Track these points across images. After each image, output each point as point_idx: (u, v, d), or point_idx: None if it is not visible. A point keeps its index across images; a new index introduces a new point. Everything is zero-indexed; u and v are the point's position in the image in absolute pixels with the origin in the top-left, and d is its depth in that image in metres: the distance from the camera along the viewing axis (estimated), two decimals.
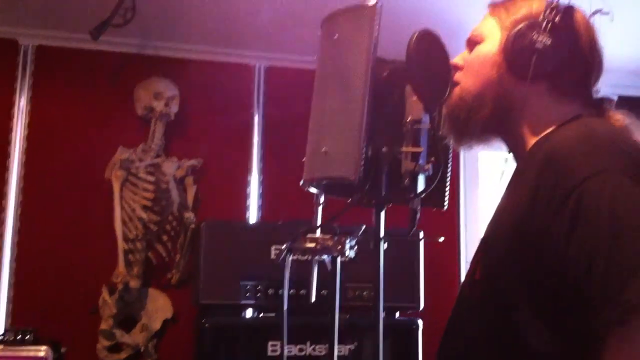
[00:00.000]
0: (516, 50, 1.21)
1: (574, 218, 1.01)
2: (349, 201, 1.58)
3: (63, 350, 2.53)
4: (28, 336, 2.43)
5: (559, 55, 1.19)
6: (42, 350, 2.39)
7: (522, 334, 1.06)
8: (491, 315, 1.12)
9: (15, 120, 3.14)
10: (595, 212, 1.00)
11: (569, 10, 1.22)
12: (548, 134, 1.19)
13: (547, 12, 1.20)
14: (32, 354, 2.37)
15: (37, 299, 3.00)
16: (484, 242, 1.22)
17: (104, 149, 3.13)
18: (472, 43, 1.31)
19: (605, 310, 0.97)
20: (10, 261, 3.03)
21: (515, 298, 1.08)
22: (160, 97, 3.17)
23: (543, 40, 1.19)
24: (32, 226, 3.07)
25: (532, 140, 1.22)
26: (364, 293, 2.77)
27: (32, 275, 3.03)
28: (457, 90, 1.31)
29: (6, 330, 2.52)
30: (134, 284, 3.00)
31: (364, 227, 1.65)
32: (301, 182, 1.61)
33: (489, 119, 1.26)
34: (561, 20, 1.20)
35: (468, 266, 1.17)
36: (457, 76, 1.33)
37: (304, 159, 1.60)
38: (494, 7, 1.30)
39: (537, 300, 1.06)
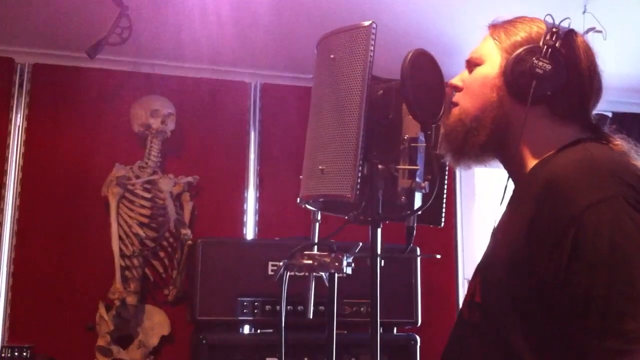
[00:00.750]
0: (516, 74, 1.21)
1: (575, 248, 1.01)
2: (345, 218, 1.60)
3: None
4: (25, 353, 2.43)
5: (559, 80, 1.20)
6: None
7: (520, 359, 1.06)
8: (491, 339, 1.12)
9: (11, 137, 3.15)
10: (595, 241, 1.00)
11: (570, 34, 1.22)
12: (547, 157, 1.19)
13: (548, 36, 1.21)
14: None
15: (34, 315, 3.00)
16: (483, 266, 1.21)
17: (100, 166, 3.14)
18: (472, 64, 1.31)
19: (606, 340, 0.96)
20: (7, 277, 3.03)
21: (513, 325, 1.08)
22: (156, 114, 3.19)
23: (543, 65, 1.19)
24: (29, 243, 3.08)
25: (531, 163, 1.22)
26: (362, 309, 2.78)
27: (29, 292, 3.03)
28: (455, 111, 1.31)
29: (3, 347, 2.52)
30: (130, 300, 3.01)
31: (360, 244, 1.67)
32: (298, 200, 1.62)
33: (487, 140, 1.25)
34: (561, 45, 1.20)
35: (465, 283, 1.19)
36: (457, 97, 1.32)
37: (300, 177, 1.61)
38: (493, 29, 1.30)
39: (533, 329, 1.06)
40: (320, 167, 1.45)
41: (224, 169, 3.37)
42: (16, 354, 2.43)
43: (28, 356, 2.44)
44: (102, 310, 2.98)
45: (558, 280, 1.02)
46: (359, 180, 1.39)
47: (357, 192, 1.37)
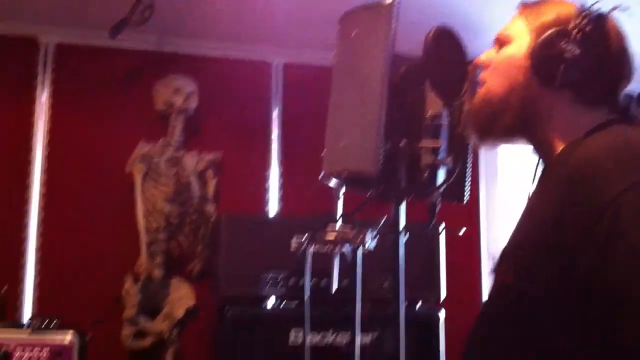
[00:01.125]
0: (544, 58, 1.18)
1: (611, 234, 0.99)
2: (368, 195, 1.61)
3: (88, 337, 2.59)
4: (54, 323, 2.49)
5: (588, 65, 1.16)
6: (68, 336, 2.45)
7: (549, 346, 1.06)
8: (519, 322, 1.11)
9: (36, 116, 3.20)
10: (632, 226, 0.98)
11: (600, 17, 1.18)
12: (577, 140, 1.15)
13: (578, 20, 1.17)
14: (58, 340, 2.42)
15: (63, 288, 3.08)
16: (512, 247, 1.19)
17: (125, 144, 3.19)
18: (500, 42, 1.28)
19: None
20: (36, 251, 3.11)
21: (542, 310, 1.07)
22: (179, 92, 3.22)
23: (572, 49, 1.15)
24: (57, 219, 3.14)
25: (559, 145, 1.20)
26: (385, 284, 2.80)
27: (57, 266, 3.11)
28: (482, 90, 1.28)
29: (32, 318, 2.59)
30: (156, 274, 3.08)
31: (384, 218, 1.69)
32: (321, 176, 1.64)
33: (514, 121, 1.23)
34: (592, 29, 1.16)
35: (489, 259, 1.19)
36: (483, 75, 1.29)
37: (323, 153, 1.63)
38: (523, 8, 1.27)
39: (563, 315, 1.05)
40: (342, 144, 1.47)
41: (247, 146, 3.40)
42: (45, 324, 2.49)
43: (57, 326, 2.50)
44: (129, 283, 3.06)
45: (592, 268, 1.00)
46: (381, 156, 1.41)
47: (380, 168, 1.39)
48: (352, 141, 1.48)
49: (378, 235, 1.76)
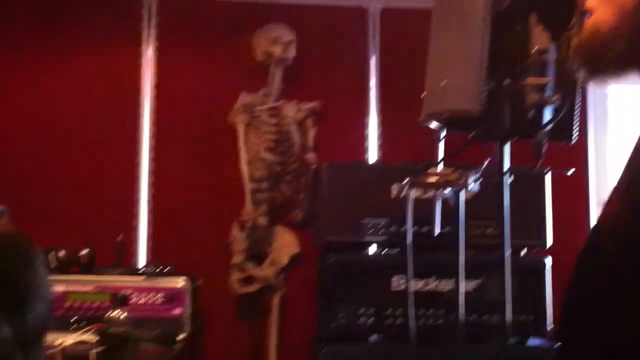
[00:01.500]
0: None
1: None
2: (470, 136, 1.58)
3: (199, 282, 2.71)
4: (167, 269, 2.63)
5: None
6: (181, 282, 2.57)
7: None
8: (624, 268, 1.06)
9: (143, 70, 3.32)
10: None
11: None
12: None
13: None
14: (171, 285, 2.55)
15: (174, 237, 3.23)
16: (623, 189, 1.14)
17: (227, 95, 3.26)
18: None
19: None
20: (148, 201, 3.27)
21: None
22: (278, 42, 3.25)
23: None
24: (165, 168, 3.28)
25: None
26: (488, 230, 2.75)
27: (168, 215, 3.26)
28: (590, 20, 1.23)
29: (147, 264, 2.74)
30: (261, 221, 3.17)
31: (487, 161, 1.65)
32: (421, 118, 1.62)
33: (625, 53, 1.16)
34: None
35: (598, 204, 1.13)
36: (591, 3, 1.24)
37: (422, 95, 1.60)
38: None
39: None
40: (443, 83, 1.43)
41: (346, 94, 3.39)
42: (159, 269, 2.63)
43: (170, 272, 2.64)
44: (235, 230, 3.18)
45: None
46: (484, 95, 1.36)
47: (483, 107, 1.35)
48: (453, 80, 1.44)
49: (481, 179, 1.71)
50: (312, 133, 3.30)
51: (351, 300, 2.69)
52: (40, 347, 0.91)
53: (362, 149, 3.38)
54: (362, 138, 3.38)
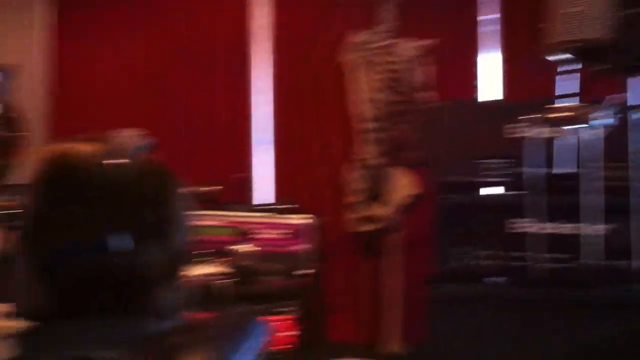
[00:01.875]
0: None
1: None
2: (599, 68, 1.51)
3: (321, 220, 2.80)
4: (290, 207, 2.75)
5: None
6: (304, 219, 2.66)
7: None
8: None
9: (257, 11, 3.38)
10: None
11: None
12: None
13: None
14: (295, 221, 2.65)
15: (295, 176, 3.35)
16: None
17: (340, 34, 3.26)
18: None
19: None
20: (271, 141, 3.40)
21: None
22: None
23: None
24: (285, 109, 3.38)
25: None
26: (619, 173, 2.61)
27: (290, 156, 3.39)
28: None
29: (275, 202, 2.86)
30: (378, 161, 3.20)
31: (618, 95, 1.57)
32: (545, 48, 1.56)
33: None
34: None
35: None
36: None
37: (545, 25, 1.53)
38: None
39: None
40: (573, 10, 1.36)
41: (458, 31, 3.32)
42: (286, 207, 2.75)
43: (296, 209, 2.76)
44: (352, 171, 3.22)
45: None
46: (622, 21, 1.29)
47: (616, 36, 1.28)
48: (581, 7, 1.37)
49: (611, 115, 1.64)
50: (426, 71, 3.25)
51: (468, 241, 2.68)
52: (181, 276, 0.95)
53: (480, 86, 3.31)
54: (479, 75, 3.31)
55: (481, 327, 2.55)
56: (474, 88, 3.31)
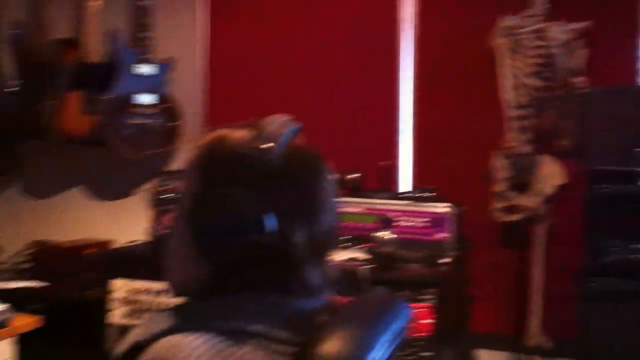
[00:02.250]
0: None
1: None
2: None
3: (463, 208, 2.77)
4: (431, 194, 2.73)
5: None
6: (446, 207, 2.65)
7: None
8: None
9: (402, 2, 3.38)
10: None
11: None
12: None
13: None
14: (436, 209, 2.64)
15: (436, 164, 3.32)
16: None
17: (489, 18, 3.18)
18: None
19: None
20: (412, 128, 3.38)
21: None
22: None
23: None
24: (428, 96, 3.36)
25: None
26: None
27: (430, 143, 3.36)
28: None
29: (413, 189, 2.87)
30: (524, 149, 3.10)
31: None
32: None
33: None
34: None
35: None
36: None
37: None
38: None
39: None
40: None
41: (617, 12, 3.12)
42: (424, 195, 2.75)
43: (434, 197, 2.74)
44: (498, 158, 3.14)
45: None
46: None
47: None
48: None
49: None
50: (580, 55, 3.09)
51: (622, 233, 2.56)
52: (328, 258, 0.98)
53: (634, 71, 3.10)
54: (633, 59, 3.10)
55: (633, 324, 2.44)
56: (633, 73, 3.11)
